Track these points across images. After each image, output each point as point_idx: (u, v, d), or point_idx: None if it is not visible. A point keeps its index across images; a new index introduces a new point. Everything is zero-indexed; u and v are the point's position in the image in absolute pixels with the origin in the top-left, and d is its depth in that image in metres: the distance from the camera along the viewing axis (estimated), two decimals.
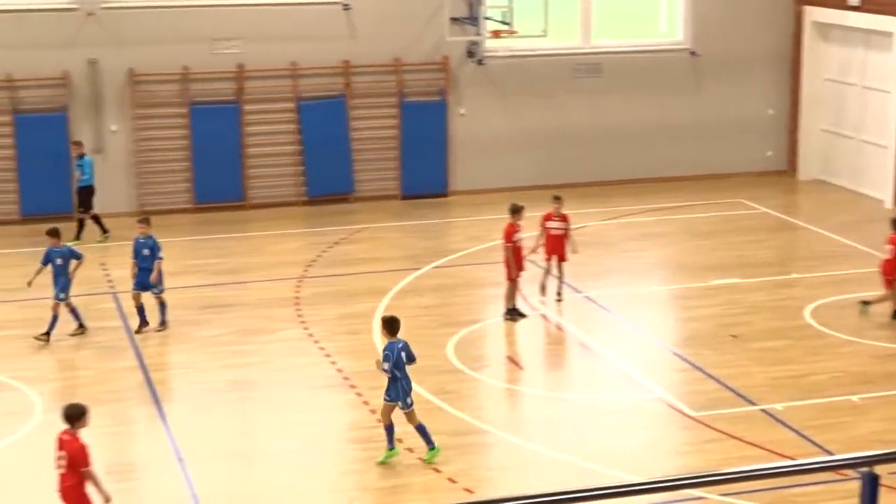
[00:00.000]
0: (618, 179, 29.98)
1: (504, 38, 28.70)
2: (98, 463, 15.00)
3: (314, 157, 28.42)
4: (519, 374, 18.86)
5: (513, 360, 19.32)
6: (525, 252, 20.86)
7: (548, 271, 21.45)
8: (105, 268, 23.61)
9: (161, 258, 20.12)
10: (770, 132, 31.01)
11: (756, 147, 30.97)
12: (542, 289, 21.43)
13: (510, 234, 20.49)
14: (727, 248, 24.74)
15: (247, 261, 24.52)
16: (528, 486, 14.69)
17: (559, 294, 21.39)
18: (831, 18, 29.54)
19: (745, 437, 16.12)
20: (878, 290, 20.58)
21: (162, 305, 20.23)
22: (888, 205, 27.45)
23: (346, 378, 18.16)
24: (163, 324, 20.20)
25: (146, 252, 20.15)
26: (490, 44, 29.14)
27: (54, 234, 19.91)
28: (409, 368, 15.37)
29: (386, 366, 15.19)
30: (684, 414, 16.90)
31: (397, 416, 15.39)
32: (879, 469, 7.07)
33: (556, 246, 21.38)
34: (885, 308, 20.38)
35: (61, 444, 13.03)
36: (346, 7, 28.18)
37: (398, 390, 15.26)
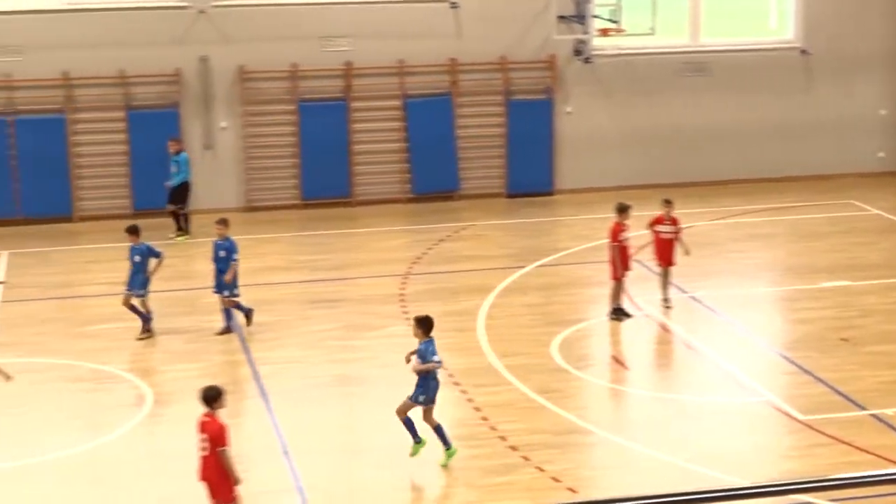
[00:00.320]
0: (725, 179, 29.68)
1: (612, 36, 28.56)
2: None
3: (420, 155, 28.55)
4: (623, 373, 18.77)
5: (617, 360, 19.23)
6: (631, 251, 20.74)
7: (663, 276, 21.14)
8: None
9: (236, 260, 19.88)
10: (882, 133, 30.48)
11: (867, 147, 30.46)
12: (664, 299, 21.07)
13: (616, 233, 20.38)
14: (837, 250, 24.38)
15: (352, 257, 24.72)
16: (630, 486, 14.64)
17: (668, 299, 21.08)
18: None
19: (855, 441, 15.86)
20: None
21: (227, 311, 19.95)
22: None
23: (450, 375, 18.18)
24: (227, 329, 19.90)
25: (222, 254, 19.95)
26: (597, 42, 29.02)
27: (133, 231, 19.93)
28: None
29: (437, 358, 15.12)
30: (792, 417, 16.68)
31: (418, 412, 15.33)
32: None
33: (666, 250, 21.13)
34: None
35: (202, 427, 13.22)
36: (454, 5, 28.25)
37: (427, 388, 15.20)
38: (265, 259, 24.46)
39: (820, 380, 17.88)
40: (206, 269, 23.40)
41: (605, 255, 20.73)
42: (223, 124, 27.91)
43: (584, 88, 29.25)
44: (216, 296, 20.08)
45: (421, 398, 15.22)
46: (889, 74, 30.28)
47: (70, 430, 16.64)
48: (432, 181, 28.71)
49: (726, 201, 28.14)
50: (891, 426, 16.36)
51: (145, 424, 16.71)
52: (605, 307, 20.61)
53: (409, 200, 28.67)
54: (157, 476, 15.17)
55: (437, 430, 15.31)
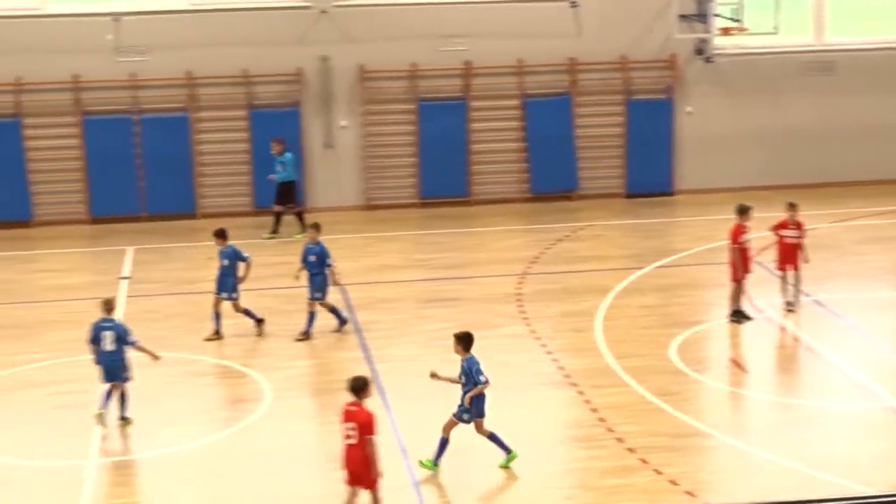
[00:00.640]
0: (849, 180, 29.15)
1: (734, 35, 28.21)
2: (321, 452, 15.39)
3: (538, 155, 28.50)
4: (743, 377, 18.53)
5: (737, 363, 18.99)
6: (752, 253, 20.46)
7: (785, 280, 20.87)
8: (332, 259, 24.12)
9: (330, 265, 19.81)
10: None
11: None
12: (787, 303, 20.81)
13: (737, 234, 20.13)
14: None
15: (470, 256, 24.76)
16: (750, 491, 14.45)
17: (791, 304, 20.77)
18: None
19: None
20: None
21: (311, 315, 19.90)
22: None
23: (567, 376, 18.15)
24: (305, 334, 19.89)
25: (312, 258, 19.87)
26: (719, 41, 28.68)
27: (220, 234, 20.02)
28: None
29: (483, 378, 15.02)
30: None
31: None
32: None
33: (791, 255, 20.78)
34: None
35: (349, 416, 13.42)
36: (574, 4, 28.14)
37: (474, 405, 15.08)
38: (383, 257, 24.62)
39: None
40: None
41: (725, 256, 20.48)
42: (343, 123, 28.14)
43: (705, 88, 28.94)
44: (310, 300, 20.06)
45: (465, 416, 15.16)
46: None
47: (192, 424, 16.91)
48: (551, 181, 28.64)
49: (849, 203, 27.63)
50: None
51: (264, 419, 16.90)
52: (725, 309, 20.36)
53: (528, 200, 28.63)
54: (274, 470, 15.33)
55: (492, 438, 15.28)
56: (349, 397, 13.58)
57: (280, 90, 27.82)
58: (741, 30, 27.97)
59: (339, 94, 28.00)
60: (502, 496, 14.88)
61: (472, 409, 15.15)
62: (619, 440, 15.88)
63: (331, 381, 18.17)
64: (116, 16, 27.06)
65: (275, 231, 25.91)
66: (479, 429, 15.30)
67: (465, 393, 15.13)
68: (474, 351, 15.09)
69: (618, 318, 20.60)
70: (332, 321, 20.17)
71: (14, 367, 18.91)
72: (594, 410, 16.84)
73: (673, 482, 14.78)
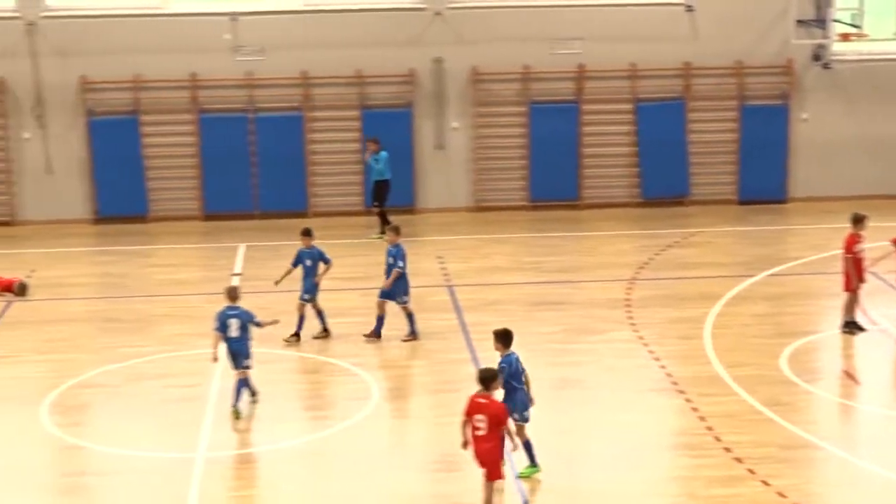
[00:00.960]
0: None
1: (853, 41, 27.73)
2: (427, 452, 15.42)
3: (650, 159, 28.30)
4: (855, 389, 18.20)
5: (849, 375, 18.66)
6: (866, 263, 20.09)
7: None
8: (441, 261, 24.24)
9: (402, 266, 19.58)
10: None
11: None
12: None
13: (851, 244, 19.78)
14: None
15: (579, 260, 24.67)
16: None
17: None
18: None
19: None
20: None
21: (410, 317, 19.85)
22: None
23: (674, 383, 17.98)
24: (375, 334, 19.81)
25: (391, 260, 19.62)
26: (838, 47, 28.22)
27: (307, 234, 20.10)
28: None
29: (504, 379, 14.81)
30: None
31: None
32: None
33: None
34: None
35: (479, 408, 13.59)
36: (690, 8, 27.88)
37: (515, 402, 14.87)
38: (492, 259, 24.63)
39: None
40: (434, 267, 23.82)
41: (839, 266, 20.14)
42: (455, 125, 28.21)
43: (822, 95, 28.49)
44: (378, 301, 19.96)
45: (516, 416, 14.86)
46: None
47: (299, 421, 17.10)
48: (662, 186, 28.43)
49: None
50: None
51: (371, 418, 16.99)
52: (838, 320, 20.02)
53: (638, 205, 28.44)
54: (378, 470, 15.41)
55: (526, 445, 15.07)
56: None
57: (393, 91, 27.97)
58: (860, 36, 27.48)
59: (451, 96, 28.07)
60: (606, 502, 14.77)
61: (522, 409, 14.95)
62: (727, 450, 15.70)
63: (438, 381, 18.23)
64: (234, 15, 27.43)
65: (383, 231, 26.04)
66: (520, 431, 15.12)
67: (506, 392, 14.90)
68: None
69: (728, 326, 20.37)
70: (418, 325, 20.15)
71: (127, 360, 19.26)
72: (702, 419, 16.67)
73: (781, 494, 14.57)
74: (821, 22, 27.72)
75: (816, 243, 24.93)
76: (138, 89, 27.50)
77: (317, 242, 20.13)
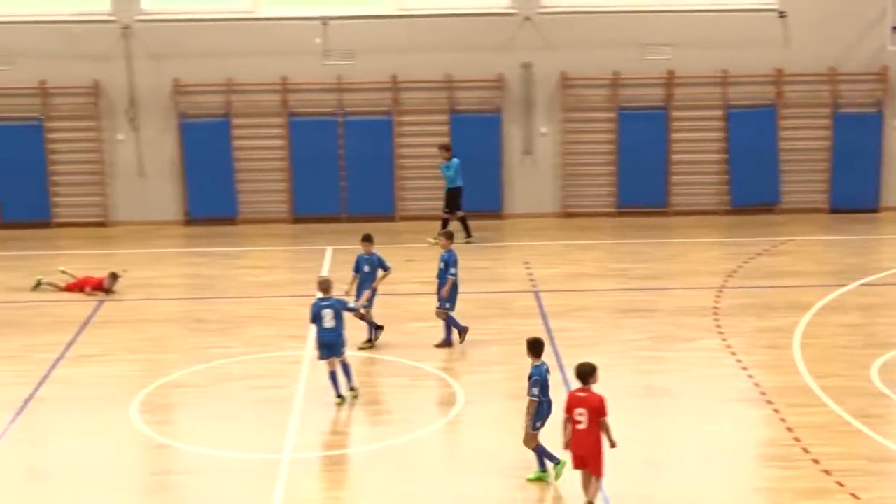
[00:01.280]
0: None
1: None
2: (512, 457, 15.40)
3: (740, 167, 28.05)
4: None
5: None
6: None
7: None
8: (528, 267, 24.21)
9: (454, 274, 19.61)
10: None
11: None
12: None
13: None
14: None
15: (666, 267, 24.50)
16: None
17: None
18: None
19: None
20: None
21: (448, 322, 19.85)
22: None
23: (763, 393, 17.79)
24: (447, 342, 19.83)
25: (443, 266, 19.67)
26: None
27: (368, 240, 20.13)
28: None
29: (535, 391, 14.81)
30: None
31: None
32: None
33: None
34: None
35: (579, 401, 14.00)
36: (783, 14, 27.58)
37: (541, 413, 14.87)
38: (579, 265, 24.55)
39: None
40: (520, 273, 23.79)
41: None
42: (543, 130, 28.16)
43: None
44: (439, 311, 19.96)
45: (538, 424, 14.95)
46: None
47: (385, 424, 17.15)
48: (752, 193, 28.16)
49: None
50: None
51: (457, 423, 17.01)
52: None
53: (727, 212, 28.20)
54: (464, 473, 15.41)
55: (538, 450, 15.11)
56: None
57: (481, 96, 28.00)
58: None
59: (539, 101, 28.03)
60: None
61: (539, 419, 14.98)
62: (815, 461, 15.50)
63: (523, 387, 18.10)
64: (325, 19, 27.62)
65: (469, 235, 26.07)
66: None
67: (530, 402, 14.97)
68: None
69: (818, 336, 20.11)
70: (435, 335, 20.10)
71: (214, 360, 19.46)
72: (790, 430, 16.47)
73: None
74: None
75: None
76: (230, 92, 27.80)
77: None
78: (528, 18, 27.70)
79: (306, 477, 15.56)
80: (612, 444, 14.22)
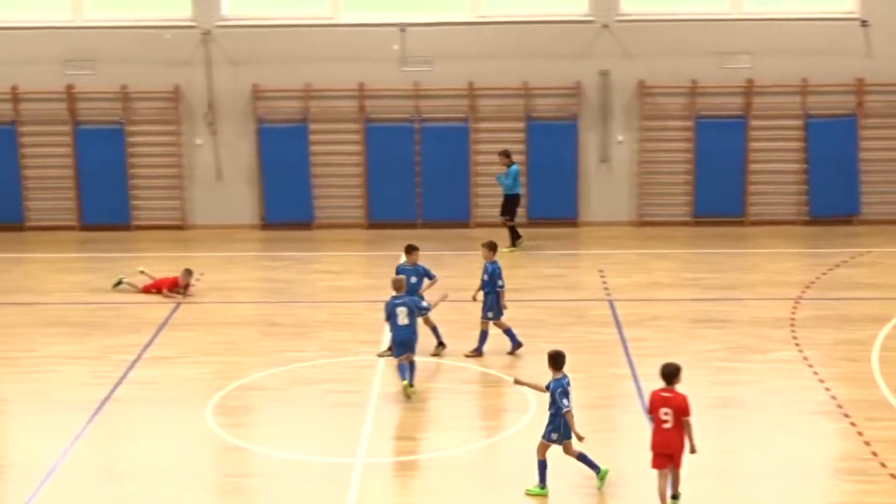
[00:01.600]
0: None
1: None
2: (584, 466, 15.30)
3: (819, 177, 27.76)
4: None
5: None
6: None
7: None
8: (602, 275, 24.12)
9: (501, 285, 19.55)
10: None
11: None
12: None
13: None
14: None
15: (743, 277, 24.30)
16: None
17: None
18: None
19: None
20: None
21: (509, 332, 19.77)
22: None
23: (839, 406, 17.58)
24: (476, 351, 19.71)
25: (486, 277, 19.58)
26: None
27: (413, 250, 20.18)
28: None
29: (566, 402, 14.80)
30: None
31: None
32: None
33: None
34: None
35: (664, 401, 14.22)
36: (865, 23, 27.26)
37: (559, 425, 14.85)
38: (654, 274, 24.41)
39: None
40: (595, 281, 23.71)
41: None
42: (620, 138, 28.05)
43: None
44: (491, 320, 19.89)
45: (554, 436, 14.96)
46: None
47: (456, 430, 17.14)
48: (831, 204, 27.85)
49: None
50: None
51: (527, 430, 16.96)
52: None
53: (806, 223, 27.91)
54: (533, 482, 15.36)
55: (582, 458, 15.08)
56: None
57: (558, 103, 27.95)
58: None
59: (616, 109, 27.93)
60: None
61: (555, 430, 14.97)
62: (893, 476, 15.29)
63: (596, 395, 18.12)
64: (403, 26, 27.72)
65: (513, 244, 25.96)
66: (567, 450, 15.12)
67: (551, 413, 14.98)
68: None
69: None
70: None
71: (289, 364, 19.58)
72: (867, 444, 16.25)
73: None
74: None
75: None
76: (307, 98, 27.98)
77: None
78: (605, 26, 27.61)
79: (378, 481, 15.62)
80: (693, 450, 14.23)
